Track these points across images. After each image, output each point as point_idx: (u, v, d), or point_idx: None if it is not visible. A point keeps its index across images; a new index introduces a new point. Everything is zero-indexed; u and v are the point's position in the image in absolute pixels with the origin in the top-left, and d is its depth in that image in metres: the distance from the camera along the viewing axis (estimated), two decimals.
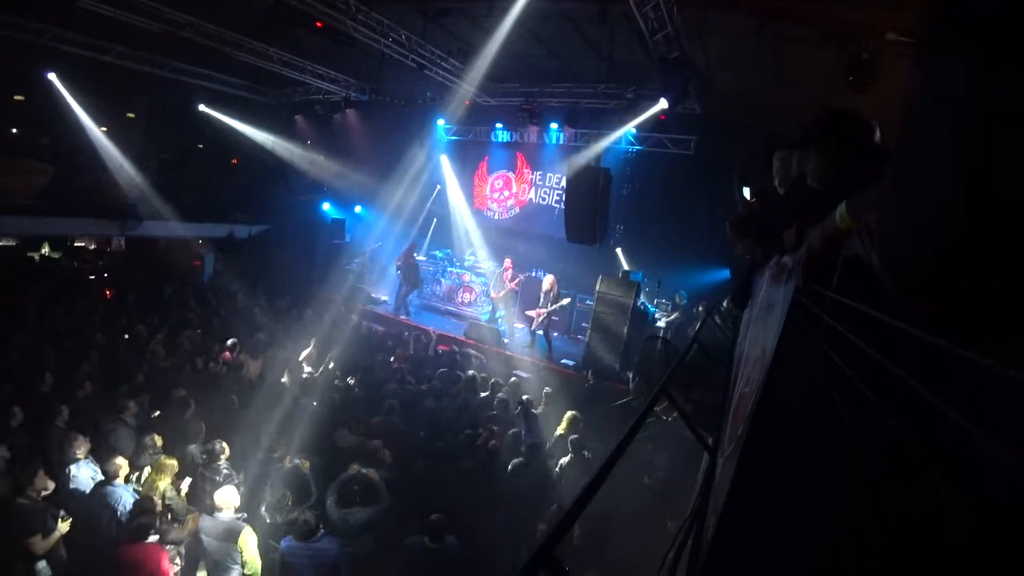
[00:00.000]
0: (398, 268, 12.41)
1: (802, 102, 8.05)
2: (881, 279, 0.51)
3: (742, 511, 1.35)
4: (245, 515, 4.39)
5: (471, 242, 13.83)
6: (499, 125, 13.53)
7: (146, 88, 12.42)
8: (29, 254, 12.79)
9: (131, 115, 14.06)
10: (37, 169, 10.86)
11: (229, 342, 8.07)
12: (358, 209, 15.39)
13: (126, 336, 8.13)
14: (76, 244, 13.90)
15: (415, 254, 12.86)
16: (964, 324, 0.41)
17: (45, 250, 13.10)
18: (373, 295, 13.33)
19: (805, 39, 6.94)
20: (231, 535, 4.05)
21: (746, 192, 3.96)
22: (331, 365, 7.60)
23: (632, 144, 12.01)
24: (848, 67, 6.57)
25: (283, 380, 7.29)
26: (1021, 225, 0.35)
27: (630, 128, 11.35)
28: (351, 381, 7.51)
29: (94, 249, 14.09)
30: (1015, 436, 0.38)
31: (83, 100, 11.44)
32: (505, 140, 13.86)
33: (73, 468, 4.62)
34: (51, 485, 4.26)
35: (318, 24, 8.43)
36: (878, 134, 1.89)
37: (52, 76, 10.89)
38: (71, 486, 4.48)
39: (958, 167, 0.34)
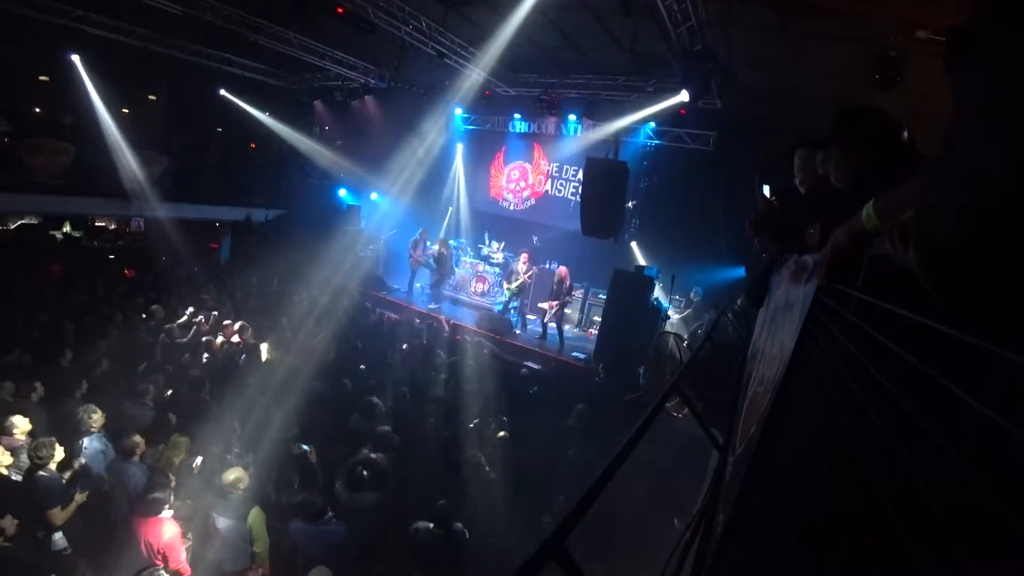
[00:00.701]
0: (432, 258, 12.31)
1: (825, 99, 7.91)
2: (919, 278, 0.49)
3: (753, 510, 1.34)
4: (255, 495, 4.46)
5: (485, 232, 13.84)
6: (517, 115, 13.47)
7: (167, 71, 12.51)
8: (51, 232, 12.99)
9: (153, 97, 14.19)
10: (59, 148, 11.01)
11: (237, 325, 8.17)
12: (374, 196, 15.44)
13: (143, 315, 8.26)
14: (96, 224, 14.10)
15: (449, 243, 12.82)
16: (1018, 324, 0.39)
17: (67, 229, 13.31)
18: (388, 282, 13.39)
19: (831, 35, 6.78)
20: (241, 514, 4.12)
21: (766, 190, 3.91)
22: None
23: (651, 138, 11.90)
24: (874, 65, 6.43)
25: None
26: None
27: (649, 122, 11.25)
28: (362, 367, 7.57)
29: (114, 229, 14.29)
30: None
31: (106, 82, 11.55)
32: (523, 131, 13.80)
33: (85, 441, 4.72)
34: (62, 455, 4.35)
35: (339, 10, 8.42)
36: (905, 134, 1.85)
37: (75, 58, 10.99)
38: (83, 459, 4.57)
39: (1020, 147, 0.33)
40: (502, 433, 5.81)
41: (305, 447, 5.07)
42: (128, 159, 11.66)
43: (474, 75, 10.96)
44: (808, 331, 1.35)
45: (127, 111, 12.48)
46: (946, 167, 0.43)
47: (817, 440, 0.99)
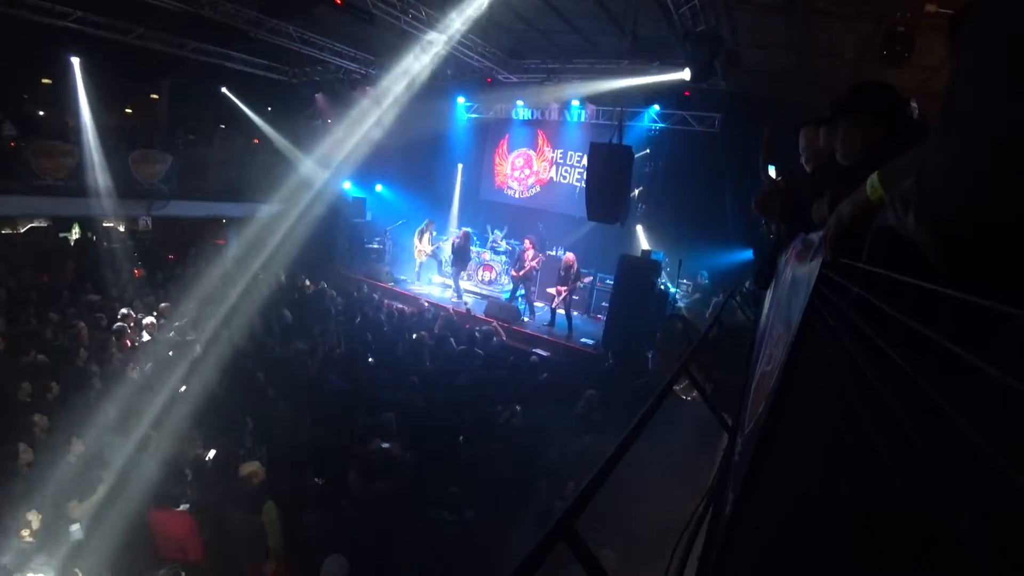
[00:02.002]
0: (453, 250, 12.21)
1: (832, 79, 7.79)
2: (920, 243, 0.49)
3: (761, 488, 1.34)
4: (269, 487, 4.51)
5: (487, 223, 13.82)
6: (520, 102, 13.38)
7: (169, 69, 12.51)
8: (61, 235, 13.11)
9: (155, 96, 14.22)
10: (65, 150, 11.06)
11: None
12: (379, 188, 15.43)
13: (154, 313, 8.34)
14: (105, 224, 14.20)
15: (469, 232, 12.75)
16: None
17: (76, 230, 13.41)
18: (394, 274, 13.41)
19: (838, 13, 6.66)
20: (256, 507, 4.17)
21: (771, 170, 3.88)
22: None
23: (655, 122, 11.78)
24: (882, 41, 6.31)
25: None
26: None
27: (654, 105, 11.12)
28: (370, 360, 7.61)
29: (123, 229, 14.37)
30: None
31: (108, 82, 11.56)
32: (526, 118, 13.72)
33: (105, 437, 4.80)
34: (81, 449, 4.43)
35: (338, 1, 8.37)
36: (913, 107, 1.82)
37: (75, 60, 11.02)
38: (103, 454, 4.65)
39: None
40: (513, 420, 5.84)
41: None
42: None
43: (475, 62, 10.88)
44: (814, 307, 1.34)
45: (130, 111, 12.52)
46: (943, 131, 0.42)
47: (824, 415, 0.99)
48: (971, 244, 0.41)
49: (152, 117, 14.09)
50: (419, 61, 10.42)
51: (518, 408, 6.17)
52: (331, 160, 14.97)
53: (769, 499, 1.28)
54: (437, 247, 12.97)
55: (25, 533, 3.76)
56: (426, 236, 12.81)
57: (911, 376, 0.57)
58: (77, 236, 13.31)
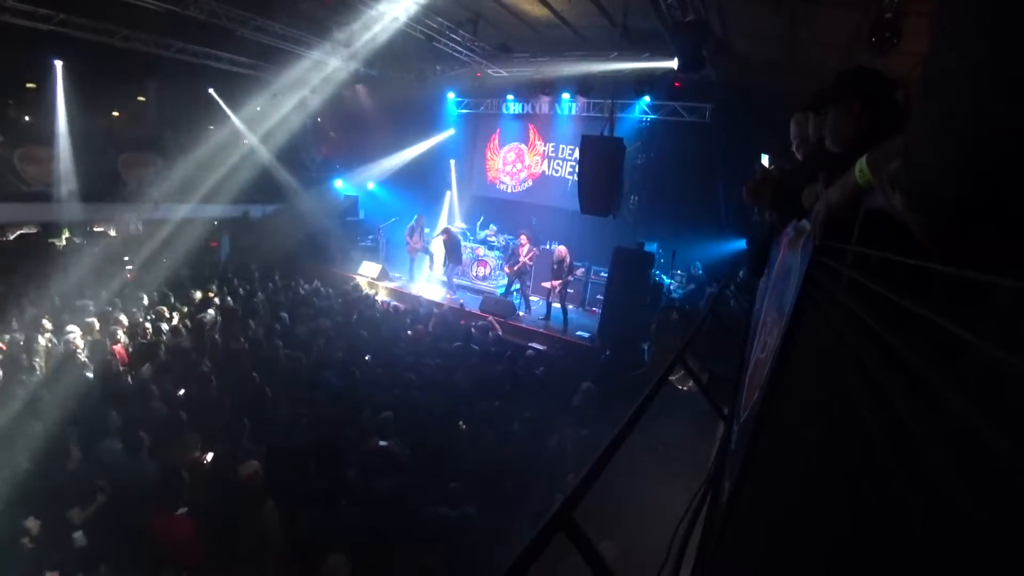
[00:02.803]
0: (444, 243, 12.23)
1: (822, 68, 7.79)
2: (906, 222, 0.49)
3: (758, 474, 1.35)
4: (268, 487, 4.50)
5: (479, 217, 13.80)
6: (510, 97, 13.36)
7: (155, 71, 12.38)
8: (50, 240, 12.99)
9: (142, 98, 14.08)
10: (52, 155, 10.96)
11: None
12: (371, 186, 15.38)
13: (150, 317, 8.30)
14: (96, 229, 14.09)
15: (451, 229, 12.72)
16: (1005, 259, 0.38)
17: (66, 236, 13.30)
18: (389, 272, 13.39)
19: (826, 1, 6.67)
20: (255, 507, 4.16)
21: (764, 159, 3.89)
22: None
23: (646, 113, 11.79)
24: (870, 29, 6.33)
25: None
26: None
27: (644, 96, 11.12)
28: (368, 358, 7.60)
29: (114, 234, 14.26)
30: None
31: (93, 85, 11.44)
32: (517, 112, 13.70)
33: (106, 442, 4.78)
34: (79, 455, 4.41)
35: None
36: (901, 94, 1.82)
37: (57, 63, 10.90)
38: (103, 459, 4.62)
39: (1001, 74, 0.32)
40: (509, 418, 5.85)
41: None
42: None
43: (465, 58, 10.84)
44: (806, 292, 1.34)
45: (117, 114, 12.40)
46: (924, 108, 0.42)
47: (817, 399, 0.99)
48: (957, 218, 0.41)
49: (140, 119, 13.96)
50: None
51: (513, 401, 6.18)
52: (322, 159, 14.93)
53: (765, 484, 1.29)
54: (426, 243, 12.95)
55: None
56: (416, 233, 12.80)
57: (905, 356, 0.57)
58: (65, 241, 13.18)
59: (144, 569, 3.74)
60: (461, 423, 5.91)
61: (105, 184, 11.56)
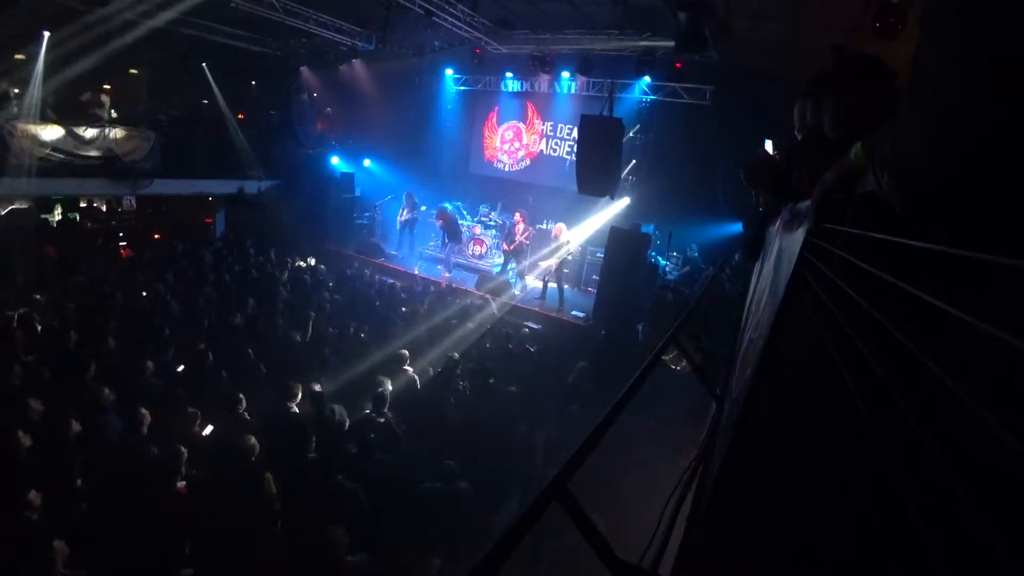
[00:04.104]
0: (440, 226, 12.26)
1: (826, 50, 7.72)
2: (894, 202, 0.51)
3: (747, 448, 1.39)
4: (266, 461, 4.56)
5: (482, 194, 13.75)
6: (509, 74, 13.20)
7: (148, 43, 12.14)
8: (43, 216, 12.87)
9: (135, 71, 13.84)
10: (43, 129, 10.77)
11: None
12: (367, 163, 15.25)
13: (144, 293, 8.28)
14: (90, 204, 13.96)
15: (446, 207, 12.68)
16: (984, 237, 0.40)
17: (58, 211, 13.17)
18: (385, 249, 13.35)
19: None
20: (255, 480, 4.23)
21: (768, 145, 3.89)
22: None
23: (646, 94, 11.69)
24: (876, 14, 6.26)
25: None
26: None
27: (644, 76, 11.01)
28: (363, 335, 7.63)
29: (106, 209, 14.13)
30: None
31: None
32: (515, 90, 13.55)
33: (103, 419, 4.81)
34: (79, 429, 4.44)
35: None
36: (900, 82, 1.82)
37: (45, 34, 10.68)
38: (101, 436, 4.66)
39: (982, 65, 0.34)
40: (511, 388, 5.92)
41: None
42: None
43: (464, 33, 10.68)
44: (799, 273, 1.37)
45: (109, 87, 12.18)
46: (912, 90, 0.44)
47: (806, 374, 1.02)
48: (941, 197, 0.43)
49: (132, 93, 13.72)
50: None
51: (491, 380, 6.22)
52: (319, 135, 14.79)
53: (754, 458, 1.33)
54: (415, 217, 13.00)
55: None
56: (405, 209, 12.88)
57: (893, 335, 0.60)
58: (59, 218, 13.08)
59: (145, 541, 3.80)
60: (453, 400, 5.96)
61: (97, 158, 11.37)
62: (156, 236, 13.16)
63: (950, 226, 0.44)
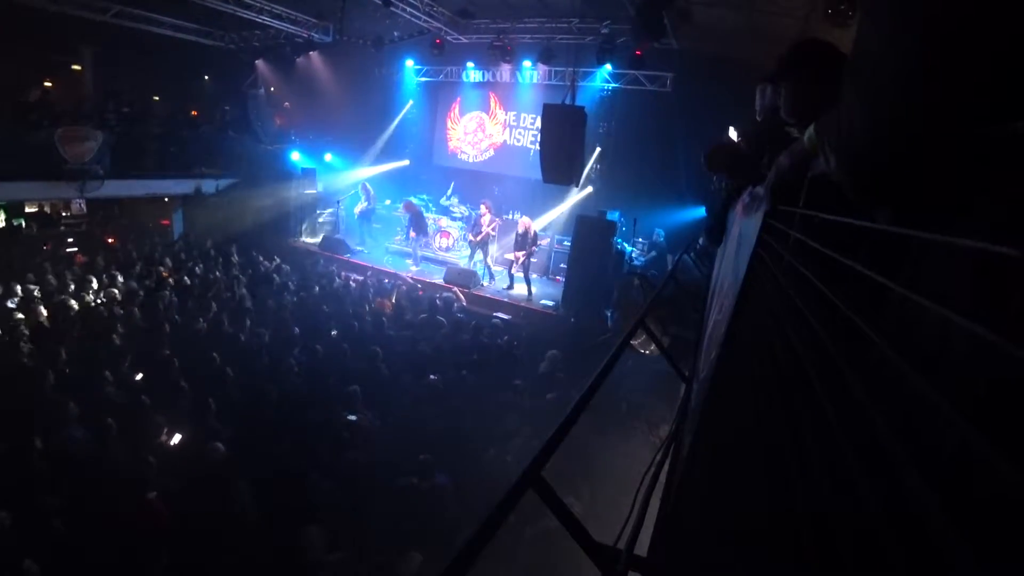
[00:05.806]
0: (408, 218, 12.11)
1: (783, 37, 7.88)
2: (840, 182, 0.53)
3: (714, 425, 1.43)
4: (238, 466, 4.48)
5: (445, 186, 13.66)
6: (471, 64, 13.10)
7: (91, 37, 11.60)
8: None
9: (77, 67, 13.21)
10: None
11: None
12: (328, 157, 14.94)
13: (100, 300, 7.97)
14: (33, 210, 13.28)
15: (413, 200, 12.53)
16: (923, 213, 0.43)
17: (1, 217, 12.52)
18: (349, 244, 13.14)
19: None
20: (226, 486, 4.14)
21: (732, 132, 3.96)
22: None
23: (608, 82, 11.76)
24: (827, 0, 6.43)
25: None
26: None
27: (605, 64, 11.08)
28: (334, 333, 7.53)
29: (50, 214, 13.48)
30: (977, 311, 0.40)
31: (23, 52, 10.64)
32: (478, 80, 13.46)
33: (66, 431, 4.63)
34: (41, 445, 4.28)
35: None
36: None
37: None
38: (67, 448, 4.49)
39: (915, 48, 0.36)
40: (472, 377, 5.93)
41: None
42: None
43: (423, 23, 10.54)
44: (758, 255, 1.41)
45: (49, 84, 11.60)
46: (853, 76, 0.46)
47: (766, 351, 1.06)
48: (880, 177, 0.45)
49: (76, 90, 13.09)
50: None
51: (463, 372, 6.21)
52: (277, 130, 14.41)
53: (722, 435, 1.38)
54: (371, 207, 13.02)
55: None
56: (360, 202, 12.93)
57: (837, 305, 0.63)
58: (2, 225, 12.44)
59: (120, 553, 3.69)
60: (427, 392, 5.95)
61: (42, 160, 10.81)
62: (110, 240, 12.66)
63: (888, 206, 0.46)
